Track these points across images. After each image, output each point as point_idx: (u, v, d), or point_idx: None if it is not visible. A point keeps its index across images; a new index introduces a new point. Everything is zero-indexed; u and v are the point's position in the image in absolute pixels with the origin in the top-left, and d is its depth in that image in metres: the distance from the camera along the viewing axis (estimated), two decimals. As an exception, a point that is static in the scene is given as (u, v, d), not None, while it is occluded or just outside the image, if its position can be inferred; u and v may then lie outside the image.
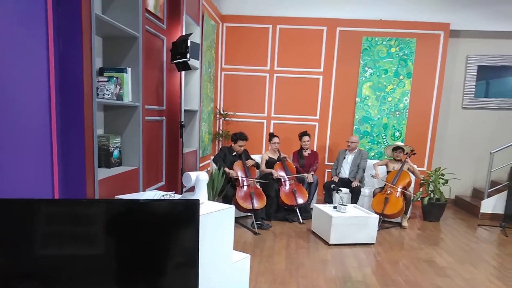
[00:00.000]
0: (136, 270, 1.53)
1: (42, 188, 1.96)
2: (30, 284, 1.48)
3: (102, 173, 2.54)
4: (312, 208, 5.07)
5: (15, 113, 1.76)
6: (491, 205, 5.84)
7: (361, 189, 5.48)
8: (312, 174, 5.57)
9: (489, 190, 5.90)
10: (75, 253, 1.50)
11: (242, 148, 5.14)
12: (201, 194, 2.45)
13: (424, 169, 6.37)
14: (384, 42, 6.27)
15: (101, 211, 1.50)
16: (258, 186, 5.11)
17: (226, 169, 4.93)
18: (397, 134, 6.45)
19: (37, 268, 1.47)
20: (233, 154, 5.14)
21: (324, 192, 5.65)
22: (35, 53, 1.86)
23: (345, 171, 5.75)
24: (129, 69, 2.79)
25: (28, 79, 1.82)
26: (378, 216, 4.58)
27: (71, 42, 2.05)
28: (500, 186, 5.95)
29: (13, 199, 1.46)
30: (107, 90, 2.61)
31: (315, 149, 6.45)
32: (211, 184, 4.63)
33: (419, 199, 5.64)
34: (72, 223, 1.50)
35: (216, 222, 2.36)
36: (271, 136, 5.62)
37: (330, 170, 6.34)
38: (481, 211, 5.87)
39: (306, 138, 5.76)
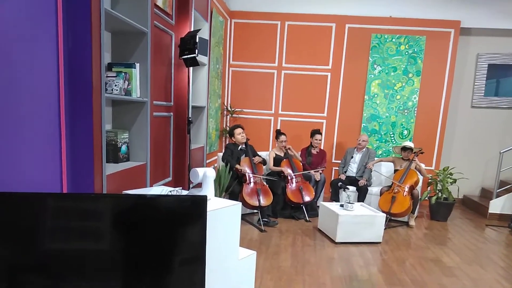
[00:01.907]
0: (143, 265, 1.53)
1: (51, 182, 1.98)
2: (37, 277, 1.49)
3: (110, 168, 2.55)
4: (318, 206, 5.06)
5: (24, 108, 1.77)
6: (500, 205, 5.78)
7: (368, 188, 5.45)
8: (320, 173, 5.56)
9: (498, 190, 5.84)
10: (82, 248, 1.50)
11: (243, 136, 5.10)
12: (209, 190, 2.45)
13: (432, 168, 6.33)
14: (394, 40, 6.22)
15: (108, 206, 1.51)
16: (265, 183, 5.10)
17: (238, 167, 4.92)
18: (405, 132, 6.41)
19: (44, 262, 1.47)
20: (239, 148, 5.13)
21: (331, 190, 5.63)
22: (44, 48, 1.87)
23: (352, 170, 5.72)
24: (137, 65, 2.79)
25: (37, 73, 1.83)
26: (385, 214, 4.56)
27: (80, 37, 2.05)
28: (509, 186, 5.88)
29: (22, 193, 1.47)
30: (115, 85, 2.61)
31: (322, 147, 6.43)
32: (218, 181, 4.63)
33: (426, 198, 5.60)
34: (79, 217, 1.50)
35: (223, 219, 2.36)
36: (278, 133, 5.59)
37: (337, 168, 6.32)
38: (490, 211, 5.81)
39: (318, 136, 5.73)
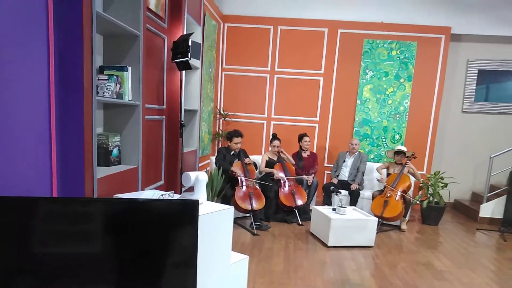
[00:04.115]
0: (134, 269, 1.52)
1: (41, 186, 1.95)
2: (27, 281, 1.47)
3: (101, 172, 2.53)
4: (311, 210, 5.06)
5: (14, 110, 1.75)
6: (490, 209, 5.83)
7: (360, 192, 5.47)
8: (313, 177, 5.57)
9: (488, 195, 5.89)
10: (73, 252, 1.49)
11: (239, 146, 5.11)
12: (201, 194, 2.43)
13: (424, 172, 6.37)
14: (385, 45, 6.26)
15: (99, 210, 1.49)
16: (257, 187, 5.09)
17: (233, 169, 4.90)
18: (397, 137, 6.45)
19: (34, 266, 1.45)
20: (231, 153, 5.13)
21: (323, 194, 5.64)
22: (35, 50, 1.85)
23: (344, 174, 5.74)
24: (129, 68, 2.78)
25: (28, 76, 1.81)
26: (377, 218, 4.57)
27: (72, 39, 2.04)
28: (499, 190, 5.93)
29: (11, 197, 1.45)
30: (107, 88, 2.60)
31: (314, 151, 6.44)
32: (210, 184, 4.61)
33: (418, 202, 5.63)
34: (70, 221, 1.49)
35: (215, 223, 2.34)
36: (273, 138, 5.60)
37: (329, 172, 6.33)
38: (480, 215, 5.86)
39: (307, 138, 5.77)
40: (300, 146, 5.84)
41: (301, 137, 5.82)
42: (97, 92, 2.49)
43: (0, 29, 1.63)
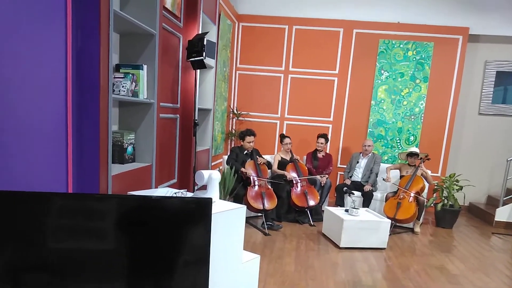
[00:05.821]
0: (146, 267, 1.53)
1: (57, 182, 1.98)
2: (40, 276, 1.49)
3: (116, 169, 2.55)
4: (323, 211, 5.03)
5: (31, 107, 1.78)
6: (506, 213, 5.72)
7: (374, 193, 5.42)
8: (327, 178, 5.54)
9: (504, 198, 5.78)
10: (86, 247, 1.50)
11: (252, 144, 5.11)
12: (214, 193, 2.44)
13: (439, 174, 6.28)
14: (401, 45, 6.20)
15: (113, 207, 1.51)
16: (270, 187, 5.09)
17: (243, 170, 4.91)
18: (412, 138, 6.37)
19: (48, 261, 1.48)
20: (244, 152, 5.13)
21: (336, 195, 5.60)
22: (53, 48, 1.88)
23: (357, 175, 5.70)
24: (145, 66, 2.80)
25: (45, 73, 1.84)
26: (390, 220, 4.53)
27: (89, 37, 2.06)
28: (516, 194, 5.82)
29: (27, 192, 1.48)
30: (123, 86, 2.63)
31: (328, 151, 6.41)
32: (222, 183, 4.63)
33: (432, 205, 5.56)
34: (84, 217, 1.50)
35: (227, 222, 2.35)
36: (282, 137, 5.59)
37: (342, 173, 6.29)
38: (496, 219, 5.75)
39: (321, 140, 5.72)
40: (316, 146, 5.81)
41: (317, 137, 5.78)
42: (113, 90, 2.52)
43: (19, 28, 1.67)
